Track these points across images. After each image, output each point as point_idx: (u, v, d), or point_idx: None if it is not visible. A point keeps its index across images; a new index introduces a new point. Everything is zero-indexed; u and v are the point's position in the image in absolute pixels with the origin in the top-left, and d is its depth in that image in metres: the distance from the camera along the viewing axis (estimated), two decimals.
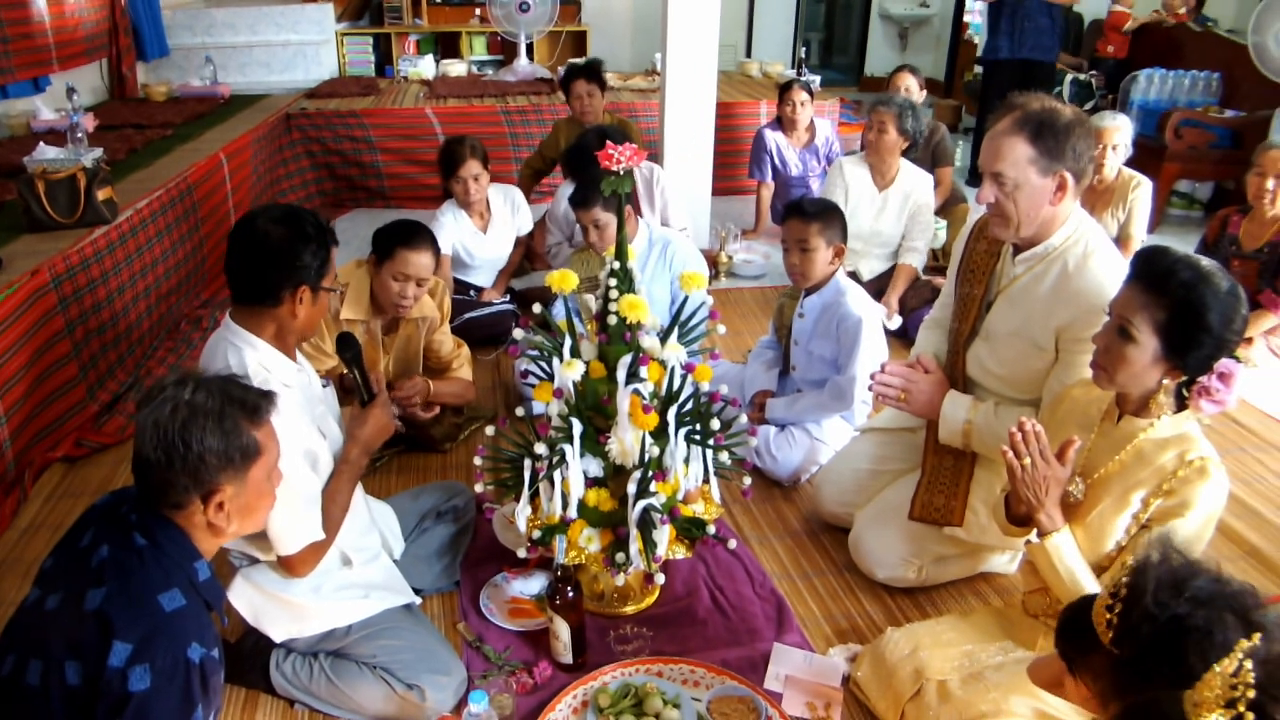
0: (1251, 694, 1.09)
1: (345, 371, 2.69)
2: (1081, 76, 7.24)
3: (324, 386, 2.32)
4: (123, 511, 1.60)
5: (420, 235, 2.97)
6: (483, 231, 4.26)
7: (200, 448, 1.55)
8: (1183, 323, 1.79)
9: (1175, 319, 1.80)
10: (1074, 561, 1.92)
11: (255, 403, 1.65)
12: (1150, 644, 1.26)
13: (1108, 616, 1.32)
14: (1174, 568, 1.30)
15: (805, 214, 3.02)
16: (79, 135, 4.07)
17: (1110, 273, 2.19)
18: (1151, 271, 1.85)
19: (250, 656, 2.25)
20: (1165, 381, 1.87)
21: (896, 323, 4.26)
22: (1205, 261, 1.84)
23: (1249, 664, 1.02)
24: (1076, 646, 1.41)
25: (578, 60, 5.19)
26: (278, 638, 2.18)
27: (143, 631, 1.45)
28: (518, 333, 2.37)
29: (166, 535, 1.58)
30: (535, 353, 2.35)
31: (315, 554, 2.12)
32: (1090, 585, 1.89)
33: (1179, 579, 1.28)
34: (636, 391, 2.21)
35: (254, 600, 2.16)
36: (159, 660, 1.44)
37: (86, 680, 1.43)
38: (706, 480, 2.35)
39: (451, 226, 4.16)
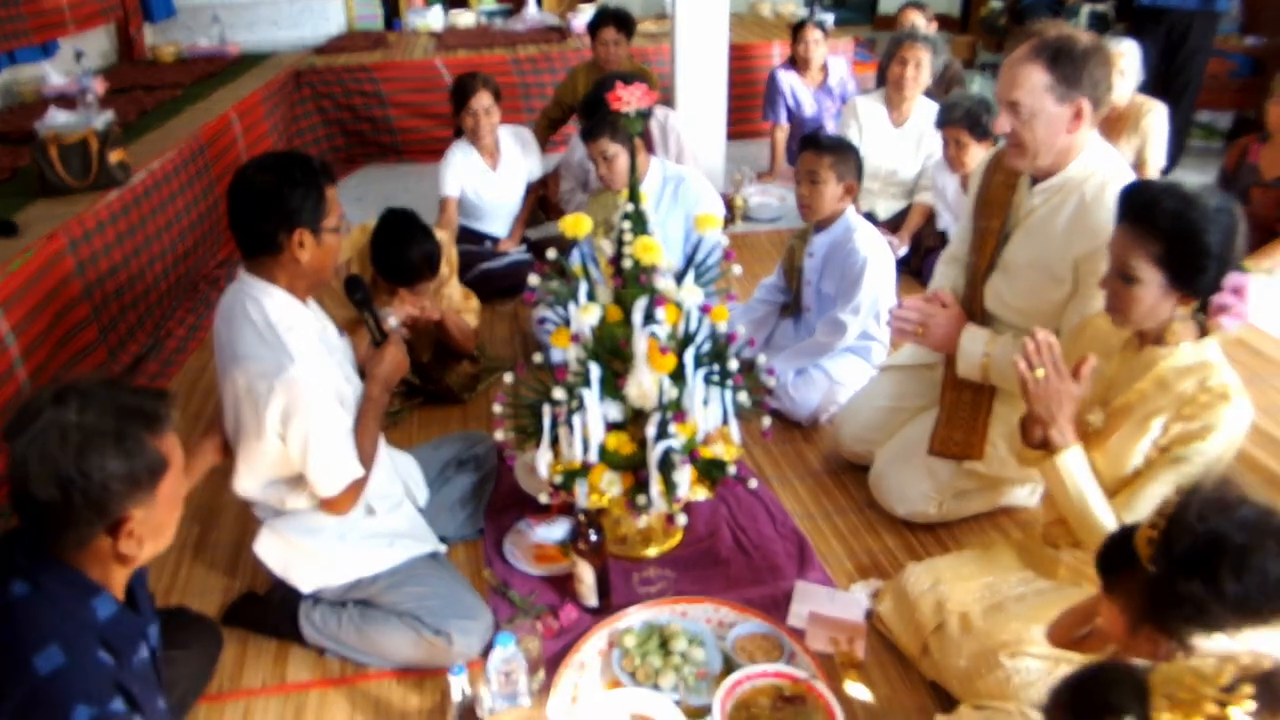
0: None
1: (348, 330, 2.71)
2: (1099, 8, 7.10)
3: (340, 336, 2.32)
4: (13, 555, 1.41)
5: (420, 272, 2.96)
6: (492, 169, 4.22)
7: (102, 475, 1.34)
8: (1181, 251, 1.78)
9: (1172, 249, 1.79)
10: (1084, 481, 1.92)
11: (154, 410, 1.43)
12: (1185, 558, 1.25)
13: (1150, 534, 1.32)
14: (1224, 494, 1.30)
15: (819, 146, 3.02)
16: (89, 99, 4.06)
17: None
18: (1137, 207, 1.84)
19: (280, 607, 2.29)
20: (1179, 310, 1.86)
21: (903, 251, 4.19)
22: (1188, 185, 1.82)
23: (1248, 688, 0.99)
24: (1115, 568, 1.41)
25: (608, 5, 5.09)
26: (306, 588, 2.22)
27: (17, 701, 1.30)
28: (533, 279, 2.37)
29: (55, 578, 1.40)
30: (552, 298, 2.35)
31: (356, 491, 2.14)
32: (1100, 508, 1.90)
33: (1227, 502, 1.28)
34: (653, 334, 2.21)
35: (282, 553, 2.19)
36: None
37: None
38: (726, 421, 2.36)
39: (461, 164, 4.14)
